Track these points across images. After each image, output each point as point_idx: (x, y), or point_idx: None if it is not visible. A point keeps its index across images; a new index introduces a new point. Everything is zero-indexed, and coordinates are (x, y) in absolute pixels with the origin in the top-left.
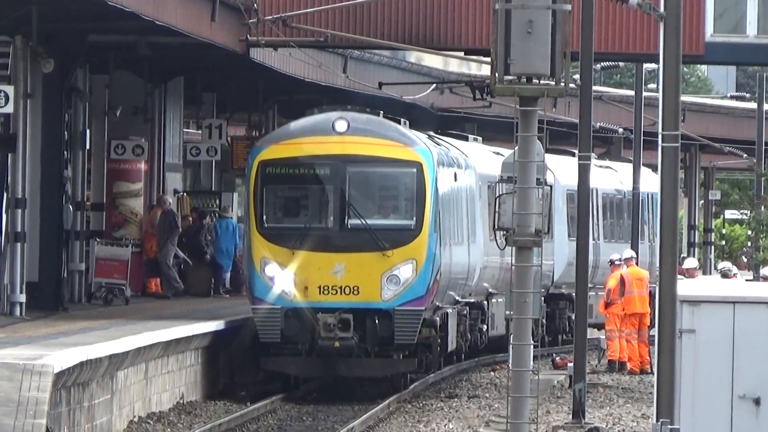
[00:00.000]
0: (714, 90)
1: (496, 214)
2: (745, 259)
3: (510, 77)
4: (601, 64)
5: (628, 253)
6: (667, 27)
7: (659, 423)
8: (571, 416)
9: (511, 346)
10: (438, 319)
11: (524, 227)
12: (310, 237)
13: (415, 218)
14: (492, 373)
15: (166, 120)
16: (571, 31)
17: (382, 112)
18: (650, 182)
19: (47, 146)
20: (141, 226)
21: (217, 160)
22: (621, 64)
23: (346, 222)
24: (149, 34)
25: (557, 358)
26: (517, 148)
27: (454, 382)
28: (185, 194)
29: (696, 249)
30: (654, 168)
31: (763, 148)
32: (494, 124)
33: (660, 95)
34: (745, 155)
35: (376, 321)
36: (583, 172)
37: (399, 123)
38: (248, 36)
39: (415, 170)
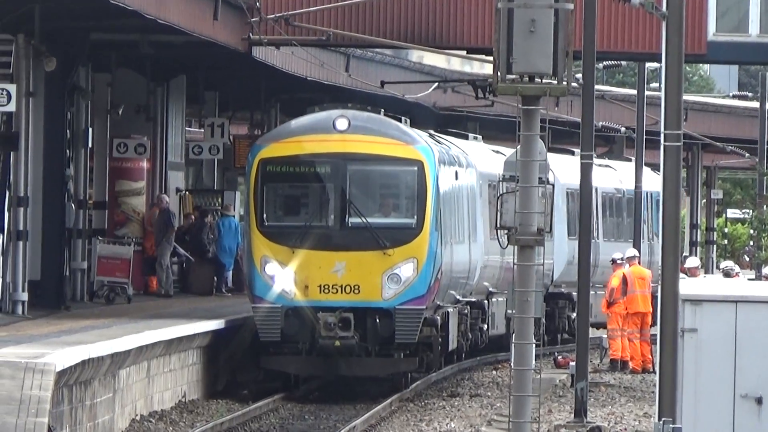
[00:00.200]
0: (716, 89)
1: (498, 213)
2: (747, 258)
3: (512, 76)
4: (604, 63)
5: (632, 252)
6: (669, 26)
7: (661, 422)
8: (573, 415)
9: (513, 344)
10: (439, 318)
11: (526, 226)
12: (310, 235)
13: (416, 217)
14: (494, 372)
15: (168, 118)
16: (574, 30)
17: (383, 110)
18: (650, 181)
19: (49, 145)
20: (143, 224)
21: (220, 158)
22: (623, 63)
23: (346, 220)
24: (152, 33)
25: (559, 357)
26: (519, 147)
27: (456, 381)
28: (187, 193)
29: (698, 248)
30: (653, 167)
31: (766, 147)
32: (496, 123)
33: (662, 94)
34: (747, 154)
35: (377, 320)
36: (586, 171)
37: (400, 121)
38: (250, 35)
39: (416, 168)
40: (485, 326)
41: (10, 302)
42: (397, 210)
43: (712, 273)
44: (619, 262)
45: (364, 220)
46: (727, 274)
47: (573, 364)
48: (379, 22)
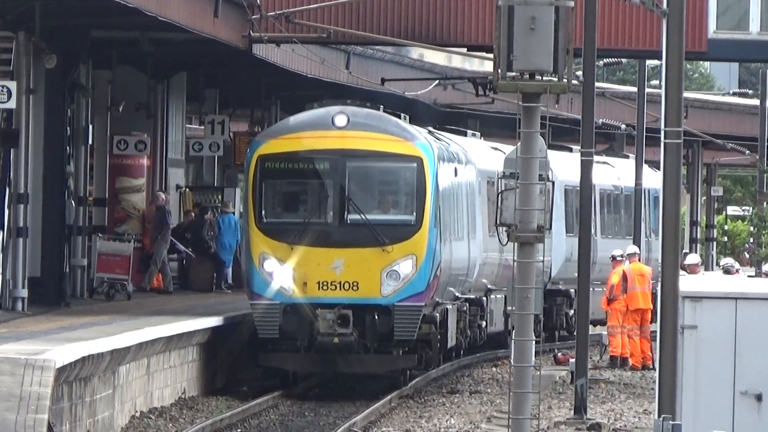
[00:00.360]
0: (716, 86)
1: (499, 210)
2: (747, 255)
3: (513, 73)
4: (604, 60)
5: (632, 248)
6: (670, 23)
7: (661, 419)
8: (572, 412)
9: (513, 341)
10: (438, 315)
11: (526, 223)
12: (309, 232)
13: (415, 213)
14: (493, 369)
15: (168, 116)
16: (574, 28)
17: (382, 106)
18: (648, 178)
19: (50, 142)
20: (143, 221)
21: (220, 155)
22: (624, 60)
23: (345, 217)
24: (152, 30)
25: (559, 354)
26: (519, 144)
27: (456, 377)
28: (188, 190)
29: (698, 245)
30: (652, 164)
31: (766, 144)
32: (497, 120)
33: (663, 92)
34: (747, 152)
35: (376, 317)
36: (586, 168)
37: (399, 118)
38: (251, 32)
39: (415, 165)
40: (484, 323)
41: (10, 299)
42: (396, 206)
43: (712, 270)
44: (619, 259)
45: (363, 217)
46: (727, 271)
47: (573, 361)
48: (380, 20)
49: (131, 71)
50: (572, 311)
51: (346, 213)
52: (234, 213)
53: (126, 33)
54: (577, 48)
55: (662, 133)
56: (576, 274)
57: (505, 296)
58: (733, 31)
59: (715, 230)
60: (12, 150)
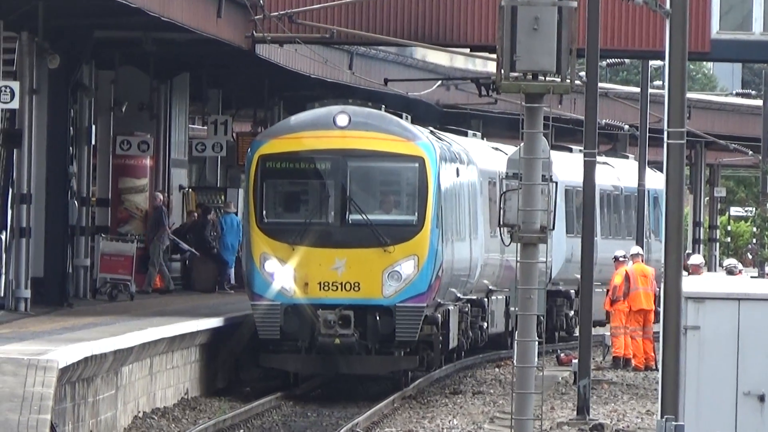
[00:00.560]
0: (719, 87)
1: (502, 211)
2: (750, 256)
3: (516, 74)
4: (607, 60)
5: (635, 249)
6: (673, 24)
7: (664, 419)
8: (575, 412)
9: (516, 342)
10: (440, 316)
11: (529, 223)
12: (310, 232)
13: (417, 214)
14: (496, 370)
15: (171, 116)
16: (577, 28)
17: (383, 106)
18: (648, 179)
19: (53, 142)
20: (146, 221)
21: (223, 156)
22: (627, 61)
23: (347, 217)
24: (155, 30)
25: (562, 355)
26: (522, 144)
27: (459, 378)
28: (191, 190)
29: (701, 246)
30: (654, 165)
31: None
32: (500, 120)
33: (666, 92)
34: (750, 152)
35: (377, 318)
36: (589, 169)
37: (401, 117)
38: (254, 32)
39: (417, 165)
40: (485, 324)
41: (13, 299)
42: (397, 207)
43: (715, 271)
44: (621, 259)
45: (365, 217)
46: (730, 271)
47: (576, 361)
48: (383, 20)
49: (134, 71)
50: (572, 312)
51: (347, 213)
52: (236, 213)
53: (129, 33)
54: (580, 48)
55: (665, 133)
56: (576, 275)
57: (507, 297)
58: (736, 31)
59: (718, 231)
60: (15, 150)
